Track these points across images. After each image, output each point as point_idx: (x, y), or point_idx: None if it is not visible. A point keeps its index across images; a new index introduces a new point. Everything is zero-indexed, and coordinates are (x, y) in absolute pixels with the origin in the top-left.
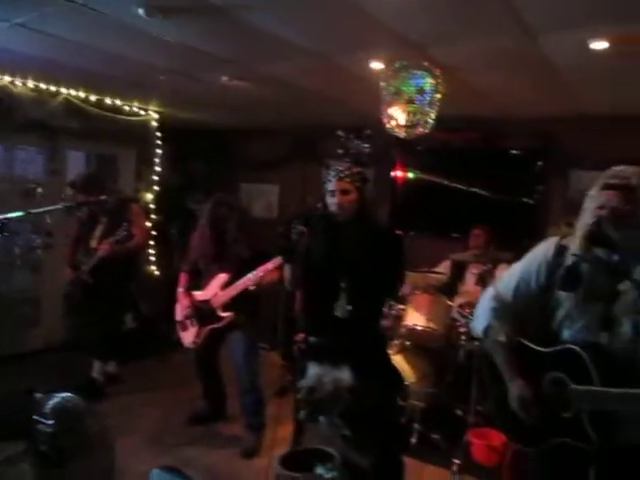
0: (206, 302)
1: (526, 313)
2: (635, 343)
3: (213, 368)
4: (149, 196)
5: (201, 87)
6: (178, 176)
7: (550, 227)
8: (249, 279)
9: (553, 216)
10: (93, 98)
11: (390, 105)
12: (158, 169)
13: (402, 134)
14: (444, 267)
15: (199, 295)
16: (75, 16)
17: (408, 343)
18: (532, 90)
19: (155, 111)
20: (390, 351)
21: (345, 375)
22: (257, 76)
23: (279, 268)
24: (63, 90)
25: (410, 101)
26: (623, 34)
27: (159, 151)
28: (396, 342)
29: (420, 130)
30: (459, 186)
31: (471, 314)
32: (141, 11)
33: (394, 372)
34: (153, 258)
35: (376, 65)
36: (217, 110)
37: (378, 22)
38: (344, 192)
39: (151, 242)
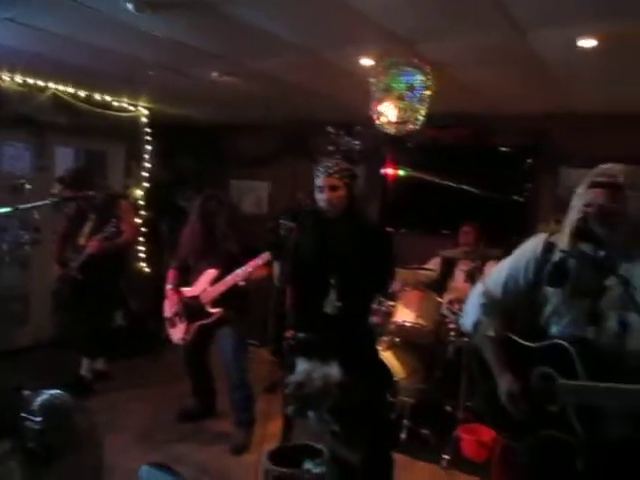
0: (195, 298)
1: (515, 309)
2: (621, 338)
3: (202, 365)
4: (139, 192)
5: (190, 83)
6: (168, 172)
7: (539, 224)
8: (238, 275)
9: (542, 213)
10: (82, 93)
11: (380, 102)
12: (148, 165)
13: (392, 131)
14: (434, 264)
15: (188, 291)
16: (64, 10)
17: (397, 339)
18: (521, 87)
19: (144, 107)
20: (380, 347)
21: (334, 371)
22: (246, 71)
23: (268, 264)
24: (51, 85)
25: (400, 98)
26: (611, 32)
27: (149, 147)
28: (386, 338)
29: (410, 127)
30: (449, 183)
31: (460, 310)
32: (130, 6)
33: (383, 368)
34: (143, 255)
35: (366, 61)
36: (207, 106)
37: (366, 17)
38: (333, 188)
39: (141, 239)
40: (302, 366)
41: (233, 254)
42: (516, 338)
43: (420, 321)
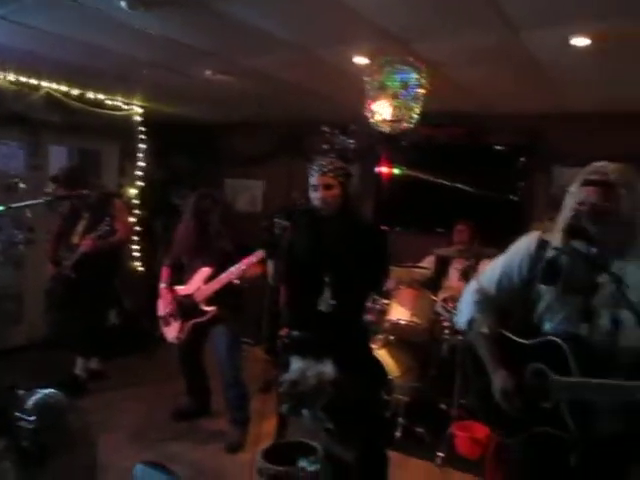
0: (189, 296)
1: (509, 306)
2: (613, 335)
3: (197, 363)
4: (133, 191)
5: (184, 81)
6: (162, 171)
7: (533, 223)
8: (232, 272)
9: (537, 212)
10: (75, 92)
11: (374, 100)
12: (142, 164)
13: (386, 129)
14: (428, 262)
15: (182, 290)
16: (56, 8)
17: (392, 337)
18: (515, 86)
19: (139, 105)
20: (374, 345)
21: (328, 369)
22: (240, 69)
23: (262, 262)
24: (44, 84)
25: (394, 96)
26: (605, 31)
27: (143, 146)
28: (380, 336)
29: (404, 125)
30: (443, 182)
31: (454, 309)
32: (123, 3)
33: (377, 366)
34: (137, 254)
35: (360, 60)
36: (201, 105)
37: (360, 16)
38: (327, 187)
39: (135, 238)
40: (296, 364)
41: (227, 252)
42: (510, 335)
43: (415, 319)
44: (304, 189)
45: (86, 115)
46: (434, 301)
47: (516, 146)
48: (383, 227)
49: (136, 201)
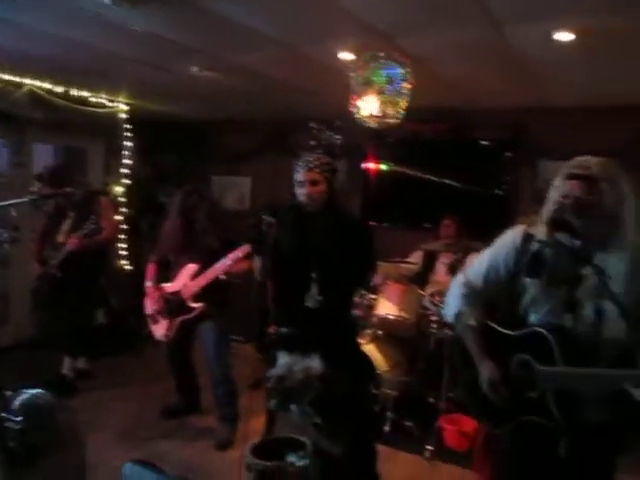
0: (176, 294)
1: (495, 298)
2: (597, 326)
3: (185, 361)
4: (119, 189)
5: (171, 78)
6: (148, 169)
7: (519, 217)
8: (218, 268)
9: (522, 206)
10: (59, 89)
11: (360, 95)
12: (128, 162)
13: (372, 124)
14: (416, 257)
15: (168, 287)
16: (40, 4)
17: (380, 332)
18: (500, 81)
19: (124, 103)
20: (363, 340)
21: (315, 363)
22: (226, 66)
23: (249, 257)
24: (28, 81)
25: (380, 91)
26: (588, 26)
27: (129, 143)
28: (368, 331)
29: (390, 121)
30: (430, 177)
31: (442, 303)
32: (107, 0)
33: (365, 361)
34: (124, 252)
35: (345, 56)
36: (188, 102)
37: (346, 11)
38: (313, 183)
39: (122, 236)
40: (283, 359)
41: (213, 249)
42: (496, 327)
43: (402, 314)
44: (291, 185)
45: (70, 112)
46: (422, 296)
47: (501, 141)
48: (371, 223)
49: (122, 199)
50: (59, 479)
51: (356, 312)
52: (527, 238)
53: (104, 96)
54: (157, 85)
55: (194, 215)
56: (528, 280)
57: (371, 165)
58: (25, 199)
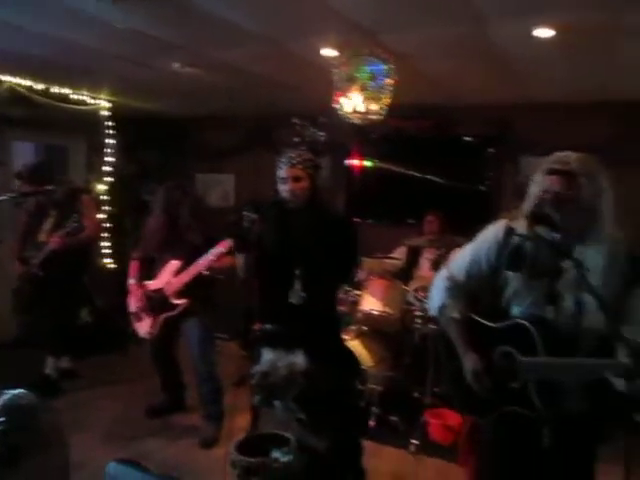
0: (159, 291)
1: (478, 292)
2: (577, 318)
3: (170, 359)
4: (101, 187)
5: (152, 74)
6: (131, 166)
7: (502, 212)
8: (201, 264)
9: (505, 201)
10: (40, 86)
11: (343, 92)
12: (110, 159)
13: (356, 120)
14: (400, 253)
15: (151, 284)
16: (20, 0)
17: (365, 328)
18: (483, 78)
19: (106, 100)
20: (347, 336)
21: (299, 359)
22: (209, 62)
23: (231, 252)
24: (7, 78)
25: (363, 88)
26: (569, 22)
27: (111, 141)
28: (353, 327)
29: (373, 117)
30: (414, 173)
31: (426, 298)
32: None
33: (349, 356)
34: (107, 251)
35: (327, 52)
36: (170, 98)
37: (328, 8)
38: (296, 179)
39: (105, 234)
40: (267, 356)
41: (196, 245)
42: (479, 319)
43: (387, 309)
44: (275, 182)
45: (52, 110)
46: (406, 291)
47: (484, 137)
48: (355, 219)
49: (105, 197)
50: None
51: (340, 308)
52: (509, 232)
53: (86, 93)
54: (139, 82)
55: (178, 211)
56: (510, 273)
57: (355, 162)
58: (4, 197)
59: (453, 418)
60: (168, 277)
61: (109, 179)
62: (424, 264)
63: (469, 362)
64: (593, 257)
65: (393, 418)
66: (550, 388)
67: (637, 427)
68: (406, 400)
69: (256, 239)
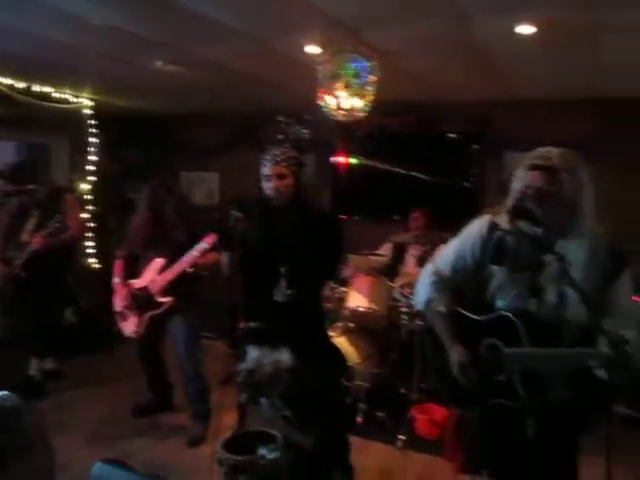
0: (143, 289)
1: (463, 286)
2: (560, 310)
3: (156, 357)
4: (85, 186)
5: (135, 72)
6: (115, 165)
7: (486, 208)
8: (185, 261)
9: (489, 198)
10: (21, 85)
11: (327, 89)
12: (94, 158)
13: (339, 117)
14: (385, 249)
15: (136, 283)
16: None
17: (351, 325)
18: (466, 74)
19: (88, 98)
20: (334, 333)
21: (284, 357)
22: (191, 60)
23: (215, 248)
24: None
25: (347, 85)
26: (550, 18)
27: (94, 140)
28: (339, 324)
29: (357, 114)
30: (399, 170)
31: (412, 294)
32: None
33: (336, 353)
34: (92, 250)
35: (311, 49)
36: (153, 96)
37: (311, 5)
38: (280, 176)
39: (89, 234)
40: (253, 353)
41: (181, 243)
42: (465, 312)
43: (373, 306)
44: (260, 180)
45: (33, 109)
46: (392, 287)
47: (468, 133)
48: (341, 216)
49: (89, 196)
50: None
51: (327, 305)
52: (493, 227)
53: (68, 91)
54: (121, 79)
55: (162, 209)
56: (495, 267)
57: (340, 159)
58: None
59: (439, 413)
60: (153, 275)
61: (92, 178)
62: (410, 260)
63: (455, 355)
64: (575, 251)
65: (380, 414)
66: (534, 378)
67: (619, 418)
68: (393, 396)
69: (241, 237)
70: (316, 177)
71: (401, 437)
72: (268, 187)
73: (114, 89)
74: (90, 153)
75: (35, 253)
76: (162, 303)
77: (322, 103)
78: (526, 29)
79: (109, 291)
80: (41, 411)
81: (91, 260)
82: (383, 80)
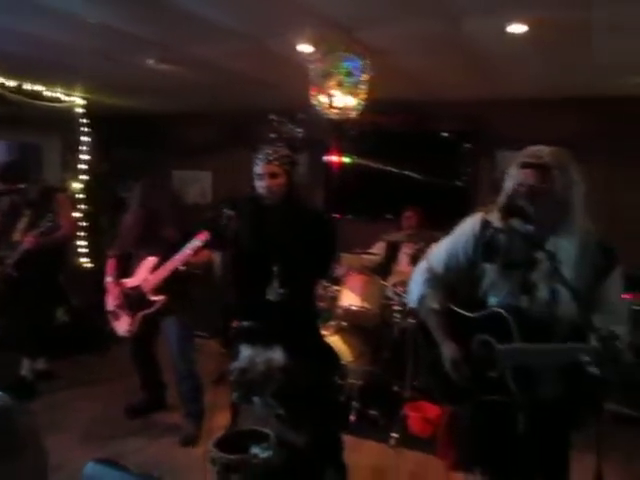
0: (136, 288)
1: (456, 283)
2: (551, 306)
3: (149, 357)
4: (77, 185)
5: (127, 71)
6: (107, 164)
7: (479, 207)
8: (177, 259)
9: (481, 196)
10: (12, 83)
11: (320, 87)
12: (86, 157)
13: (332, 116)
14: (378, 248)
15: (129, 282)
16: None
17: (344, 323)
18: (458, 73)
19: (80, 97)
20: (327, 332)
21: (277, 355)
22: (184, 59)
23: (208, 246)
24: None
25: (340, 83)
26: (541, 17)
27: (86, 139)
28: (332, 323)
29: (350, 112)
30: (392, 169)
31: (405, 293)
32: None
33: (328, 352)
34: (83, 250)
35: (304, 48)
36: (146, 95)
37: (304, 3)
38: (272, 175)
39: (81, 233)
40: (245, 352)
41: (173, 241)
42: (458, 309)
43: (366, 304)
44: (253, 179)
45: (24, 107)
46: (384, 286)
47: (461, 132)
48: (334, 215)
49: (81, 196)
50: None
51: (320, 304)
52: (485, 225)
53: (59, 90)
54: (114, 78)
55: (155, 206)
56: (487, 265)
57: (333, 158)
58: None
59: (432, 411)
60: (145, 274)
61: (84, 177)
62: (402, 259)
63: (448, 351)
64: (566, 248)
65: (373, 412)
66: (526, 374)
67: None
68: (386, 394)
69: (233, 236)
70: (309, 176)
71: (394, 435)
72: (260, 186)
73: (106, 88)
74: (82, 152)
75: (27, 252)
76: (155, 302)
77: (314, 101)
78: (518, 28)
79: (101, 290)
80: (33, 411)
81: (83, 259)
82: (376, 79)
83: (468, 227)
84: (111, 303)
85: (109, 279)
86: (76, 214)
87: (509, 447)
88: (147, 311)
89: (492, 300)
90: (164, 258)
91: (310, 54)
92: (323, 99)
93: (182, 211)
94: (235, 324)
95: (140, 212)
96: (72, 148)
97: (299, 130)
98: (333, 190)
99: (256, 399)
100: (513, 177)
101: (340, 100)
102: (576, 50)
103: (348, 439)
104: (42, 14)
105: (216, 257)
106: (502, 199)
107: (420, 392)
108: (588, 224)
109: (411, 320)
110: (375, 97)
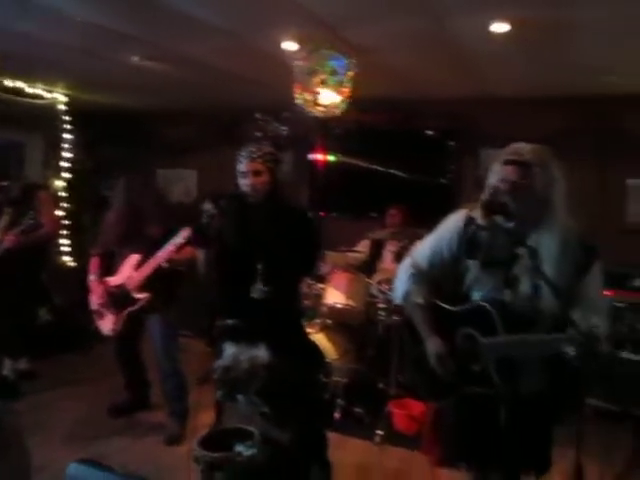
0: (120, 286)
1: (441, 279)
2: (533, 300)
3: (134, 356)
4: (59, 183)
5: (111, 67)
6: (90, 162)
7: (463, 204)
8: (161, 255)
9: (466, 194)
10: None
11: (304, 85)
12: (68, 155)
13: (317, 114)
14: (363, 246)
15: (112, 280)
16: None
17: (329, 321)
18: (442, 71)
19: (63, 93)
20: (311, 330)
21: (261, 353)
22: (169, 56)
23: (190, 242)
24: None
25: (324, 81)
26: (524, 16)
27: (69, 136)
28: (317, 321)
29: (335, 110)
30: (376, 167)
31: (389, 290)
32: None
33: (313, 350)
34: (66, 248)
35: (289, 46)
36: (130, 92)
37: (291, 2)
38: (256, 173)
39: (64, 232)
40: (229, 350)
41: (156, 239)
42: (442, 304)
43: (350, 302)
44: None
45: (5, 104)
46: (369, 284)
47: (445, 130)
48: (318, 213)
49: (63, 194)
50: None
51: (304, 302)
52: (469, 221)
53: (41, 86)
54: (97, 75)
55: (139, 203)
56: (470, 261)
57: (318, 156)
58: None
59: (417, 408)
60: (129, 271)
61: (67, 175)
62: (387, 257)
63: (433, 346)
64: (547, 245)
65: (358, 410)
66: (509, 365)
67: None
68: (370, 392)
69: (216, 234)
70: (294, 174)
71: (379, 432)
72: (244, 184)
73: (90, 85)
74: (65, 150)
75: (8, 251)
76: (139, 299)
77: (299, 99)
78: (501, 27)
79: (85, 289)
80: (17, 411)
81: (66, 258)
82: (360, 77)
83: (452, 224)
84: (95, 302)
85: (92, 277)
86: (58, 212)
87: (493, 442)
88: (131, 309)
89: (476, 295)
90: (147, 255)
91: (295, 52)
92: (308, 97)
93: (166, 209)
94: (219, 322)
95: (124, 209)
96: (55, 145)
97: (284, 128)
98: (318, 188)
99: (240, 397)
100: (495, 174)
101: (325, 98)
102: (559, 49)
103: (333, 436)
104: (24, 10)
105: (200, 254)
106: (485, 196)
107: (405, 389)
108: (569, 221)
109: (396, 317)
110: (360, 95)
